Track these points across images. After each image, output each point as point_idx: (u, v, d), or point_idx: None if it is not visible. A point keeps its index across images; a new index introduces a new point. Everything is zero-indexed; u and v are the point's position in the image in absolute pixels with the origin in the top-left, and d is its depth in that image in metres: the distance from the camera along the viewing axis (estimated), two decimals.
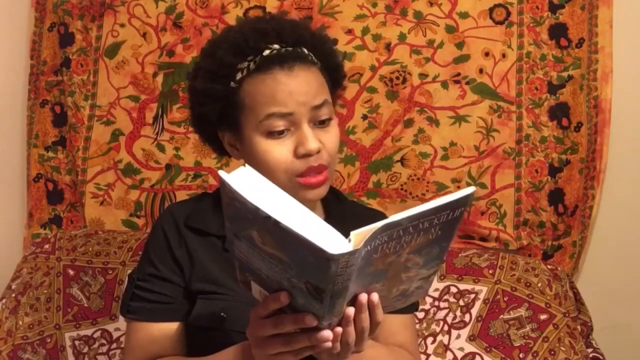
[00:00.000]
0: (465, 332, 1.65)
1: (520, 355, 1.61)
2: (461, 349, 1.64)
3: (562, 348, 1.61)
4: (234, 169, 0.92)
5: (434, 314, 1.69)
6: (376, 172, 1.90)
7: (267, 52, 1.17)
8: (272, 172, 1.14)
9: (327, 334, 0.93)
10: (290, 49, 1.19)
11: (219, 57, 1.19)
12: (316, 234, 0.83)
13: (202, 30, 1.97)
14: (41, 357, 1.74)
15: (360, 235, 0.84)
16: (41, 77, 2.06)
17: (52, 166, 2.05)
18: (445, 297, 1.71)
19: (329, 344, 0.93)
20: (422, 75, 1.88)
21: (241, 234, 0.91)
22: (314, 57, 1.21)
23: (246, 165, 0.95)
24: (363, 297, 0.93)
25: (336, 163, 1.28)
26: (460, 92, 1.86)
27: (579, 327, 1.67)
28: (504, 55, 1.85)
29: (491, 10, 1.86)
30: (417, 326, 1.65)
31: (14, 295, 1.83)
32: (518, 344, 1.62)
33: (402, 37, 1.89)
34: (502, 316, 1.66)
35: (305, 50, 1.21)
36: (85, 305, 1.78)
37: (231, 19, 1.94)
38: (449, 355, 1.64)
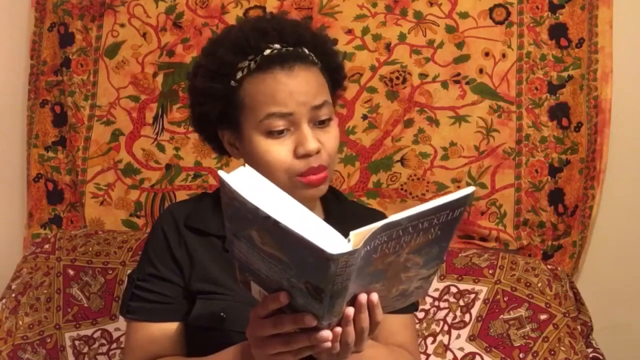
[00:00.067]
0: (465, 332, 1.65)
1: (520, 355, 1.61)
2: (461, 349, 1.64)
3: (562, 348, 1.61)
4: (234, 169, 0.92)
5: (434, 314, 1.69)
6: (376, 172, 1.90)
7: (267, 51, 1.17)
8: (271, 171, 1.14)
9: (326, 334, 0.93)
10: (291, 48, 1.19)
11: (219, 56, 1.19)
12: (316, 233, 0.83)
13: (202, 30, 1.97)
14: (41, 357, 1.74)
15: (360, 235, 0.84)
16: (41, 77, 2.06)
17: (52, 166, 2.05)
18: (445, 297, 1.71)
19: (329, 344, 0.93)
20: (422, 75, 1.88)
21: (241, 234, 0.91)
22: (314, 58, 1.21)
23: (246, 165, 0.95)
24: (362, 297, 0.93)
25: (336, 163, 1.28)
26: (460, 92, 1.86)
27: (579, 327, 1.67)
28: (504, 55, 1.85)
29: (491, 10, 1.86)
30: (417, 326, 1.65)
31: (14, 295, 1.83)
32: (518, 344, 1.62)
33: (402, 37, 1.89)
34: (502, 316, 1.66)
35: (306, 51, 1.21)
36: (85, 305, 1.78)
37: (231, 19, 1.94)
38: (449, 355, 1.64)
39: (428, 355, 1.64)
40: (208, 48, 1.25)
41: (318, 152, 1.16)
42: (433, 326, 1.68)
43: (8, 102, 2.13)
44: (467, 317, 1.67)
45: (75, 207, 2.04)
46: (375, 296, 0.94)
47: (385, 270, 0.91)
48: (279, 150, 1.16)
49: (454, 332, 1.66)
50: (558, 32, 1.83)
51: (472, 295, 1.69)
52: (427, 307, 1.70)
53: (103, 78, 2.03)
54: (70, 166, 2.04)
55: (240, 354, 1.09)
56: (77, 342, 1.75)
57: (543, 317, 1.64)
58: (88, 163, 2.03)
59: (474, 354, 1.63)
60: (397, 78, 1.89)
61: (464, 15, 1.86)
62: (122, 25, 2.02)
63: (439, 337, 1.66)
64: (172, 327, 1.22)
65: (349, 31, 1.91)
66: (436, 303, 1.71)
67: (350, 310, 0.93)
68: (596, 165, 1.80)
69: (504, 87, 1.85)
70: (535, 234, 1.84)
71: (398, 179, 1.89)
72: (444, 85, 1.87)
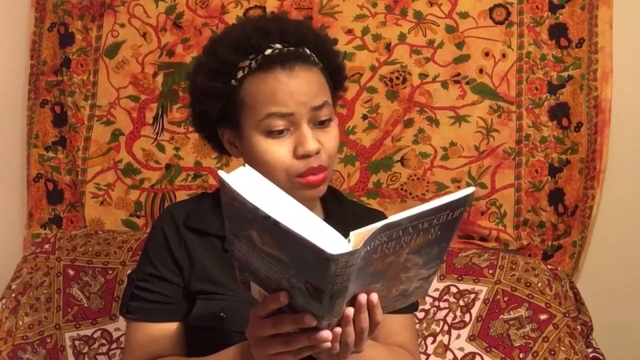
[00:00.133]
0: (465, 332, 1.65)
1: (520, 355, 1.61)
2: (461, 349, 1.64)
3: (562, 348, 1.61)
4: (234, 169, 0.92)
5: (434, 314, 1.69)
6: (376, 172, 1.90)
7: (268, 51, 1.17)
8: (271, 171, 1.14)
9: (326, 334, 0.93)
10: (292, 49, 1.19)
11: (220, 55, 1.19)
12: (315, 234, 0.83)
13: (202, 30, 1.97)
14: (41, 357, 1.74)
15: (360, 235, 0.84)
16: (41, 77, 2.06)
17: (52, 166, 2.05)
18: (445, 297, 1.71)
19: (328, 344, 0.93)
20: (422, 75, 1.88)
21: (241, 234, 0.91)
22: (315, 58, 1.21)
23: (246, 165, 0.95)
24: (362, 297, 0.93)
25: (335, 163, 1.28)
26: (460, 92, 1.86)
27: (579, 327, 1.67)
28: (504, 55, 1.85)
29: (491, 10, 1.86)
30: (417, 326, 1.65)
31: (14, 295, 1.83)
32: (518, 344, 1.62)
33: (402, 37, 1.89)
34: (502, 316, 1.66)
35: (308, 51, 1.20)
36: (85, 305, 1.78)
37: (231, 18, 1.94)
38: (449, 355, 1.64)
39: (428, 355, 1.64)
40: (209, 47, 1.25)
41: (318, 152, 1.16)
42: (433, 326, 1.68)
43: (8, 102, 2.13)
44: (467, 317, 1.67)
45: (75, 207, 2.04)
46: (375, 296, 0.94)
47: (385, 271, 0.91)
48: (279, 150, 1.16)
49: (454, 332, 1.66)
50: (558, 32, 1.83)
51: (472, 295, 1.69)
52: (427, 307, 1.70)
53: (103, 78, 2.03)
54: (70, 166, 2.04)
55: (240, 354, 1.09)
56: (77, 342, 1.75)
57: (543, 317, 1.64)
58: (88, 163, 2.03)
59: (474, 354, 1.63)
60: (397, 78, 1.89)
61: (464, 15, 1.86)
62: (122, 25, 2.02)
63: (439, 337, 1.66)
64: (171, 327, 1.22)
65: (349, 31, 1.91)
66: (436, 303, 1.71)
67: (350, 311, 0.93)
68: (596, 165, 1.80)
69: (504, 87, 1.85)
70: (535, 234, 1.84)
71: (398, 179, 1.89)
72: (444, 85, 1.87)
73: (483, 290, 1.70)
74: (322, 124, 1.18)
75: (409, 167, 1.88)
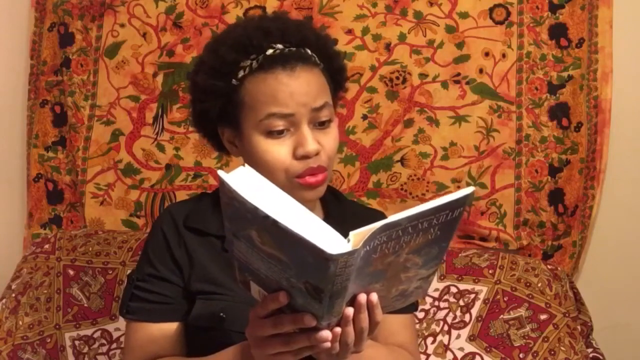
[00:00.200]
0: (465, 332, 1.65)
1: (520, 355, 1.61)
2: (461, 349, 1.64)
3: (562, 348, 1.61)
4: (234, 169, 0.92)
5: (434, 314, 1.69)
6: (376, 172, 1.90)
7: (270, 51, 1.17)
8: (270, 171, 1.14)
9: (326, 334, 0.93)
10: (294, 49, 1.19)
11: (221, 54, 1.19)
12: (315, 234, 0.83)
13: (202, 30, 1.97)
14: (41, 357, 1.74)
15: (359, 235, 0.84)
16: (41, 77, 2.06)
17: (52, 166, 2.05)
18: (445, 297, 1.71)
19: (328, 344, 0.93)
20: (422, 75, 1.88)
21: (240, 233, 0.91)
22: (317, 59, 1.21)
23: (245, 165, 0.95)
24: (362, 297, 0.93)
25: (335, 164, 1.28)
26: (460, 92, 1.86)
27: (579, 327, 1.67)
28: (504, 55, 1.85)
29: (491, 10, 1.86)
30: (417, 326, 1.65)
31: (14, 295, 1.83)
32: (518, 344, 1.62)
33: (402, 37, 1.89)
34: (502, 316, 1.66)
35: (309, 51, 1.20)
36: (85, 305, 1.78)
37: (231, 18, 1.94)
38: (449, 355, 1.64)
39: (428, 355, 1.64)
40: (210, 45, 1.24)
41: (317, 153, 1.16)
42: (433, 326, 1.68)
43: (8, 102, 2.13)
44: (467, 317, 1.67)
45: (75, 207, 2.04)
46: (374, 296, 0.94)
47: (384, 271, 0.91)
48: (278, 151, 1.16)
49: (454, 332, 1.66)
50: (558, 32, 1.83)
51: (472, 295, 1.69)
52: (427, 307, 1.70)
53: (103, 78, 2.03)
54: (70, 166, 2.04)
55: (240, 354, 1.09)
56: (77, 342, 1.75)
57: (543, 317, 1.64)
58: (88, 163, 2.03)
59: (474, 354, 1.63)
60: (397, 78, 1.89)
61: (464, 15, 1.86)
62: (122, 25, 2.02)
63: (439, 337, 1.66)
64: (171, 327, 1.22)
65: (349, 31, 1.91)
66: (436, 303, 1.71)
67: (350, 311, 0.93)
68: (596, 165, 1.80)
69: (504, 87, 1.85)
70: (535, 234, 1.84)
71: (398, 179, 1.89)
72: (444, 85, 1.87)
73: (483, 290, 1.69)
74: (322, 125, 1.18)
75: (409, 167, 1.88)
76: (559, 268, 1.75)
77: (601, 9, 1.80)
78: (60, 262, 1.84)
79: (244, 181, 0.90)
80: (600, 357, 1.68)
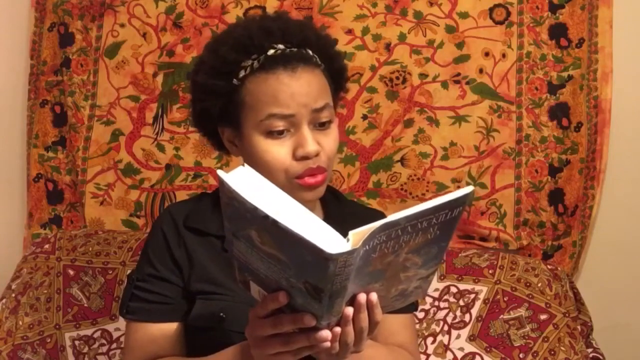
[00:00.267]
0: (465, 332, 1.65)
1: (520, 355, 1.61)
2: (461, 349, 1.64)
3: (562, 348, 1.61)
4: (234, 169, 0.92)
5: (434, 314, 1.69)
6: (376, 172, 1.90)
7: (271, 51, 1.17)
8: (270, 171, 1.14)
9: (325, 333, 0.93)
10: (295, 49, 1.19)
11: (222, 54, 1.19)
12: (314, 233, 0.83)
13: (202, 30, 1.97)
14: (41, 357, 1.74)
15: (359, 234, 0.84)
16: (41, 77, 2.06)
17: (52, 166, 2.05)
18: (445, 297, 1.71)
19: (328, 344, 0.93)
20: (422, 75, 1.88)
21: (240, 233, 0.91)
22: (318, 59, 1.21)
23: (245, 165, 0.95)
24: (362, 297, 0.93)
25: (335, 164, 1.28)
26: (460, 92, 1.86)
27: (579, 327, 1.67)
28: (504, 55, 1.85)
29: (491, 10, 1.86)
30: (417, 326, 1.65)
31: (14, 295, 1.83)
32: (518, 344, 1.62)
33: (402, 37, 1.89)
34: (502, 316, 1.65)
35: (310, 52, 1.20)
36: (85, 305, 1.78)
37: (231, 18, 1.94)
38: (449, 355, 1.64)
39: (428, 355, 1.64)
40: (211, 45, 1.24)
41: (317, 154, 1.16)
42: (433, 326, 1.68)
43: (8, 102, 2.13)
44: (467, 317, 1.67)
45: (75, 207, 2.05)
46: (374, 296, 0.94)
47: (384, 270, 0.91)
48: (278, 151, 1.16)
49: (454, 332, 1.66)
50: (558, 32, 1.83)
51: (472, 295, 1.69)
52: (427, 307, 1.70)
53: (103, 78, 2.03)
54: (70, 166, 2.04)
55: (239, 354, 1.09)
56: (77, 342, 1.75)
57: (543, 317, 1.64)
58: (88, 163, 2.03)
59: (474, 354, 1.63)
60: (397, 78, 1.89)
61: (464, 15, 1.86)
62: (122, 25, 2.02)
63: (439, 337, 1.66)
64: (171, 327, 1.22)
65: (349, 31, 1.91)
66: (436, 303, 1.71)
67: (350, 310, 0.93)
68: (596, 165, 1.80)
69: (504, 87, 1.85)
70: (535, 234, 1.84)
71: (398, 179, 1.89)
72: (444, 85, 1.87)
73: (483, 290, 1.69)
74: (322, 126, 1.18)
75: (409, 167, 1.88)
76: (559, 268, 1.75)
77: (601, 9, 1.80)
78: (60, 262, 1.84)
79: (243, 181, 0.90)
80: (600, 357, 1.68)
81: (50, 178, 2.05)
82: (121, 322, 1.72)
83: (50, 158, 2.05)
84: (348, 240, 0.84)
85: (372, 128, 1.90)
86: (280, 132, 1.16)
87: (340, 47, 1.80)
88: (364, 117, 1.90)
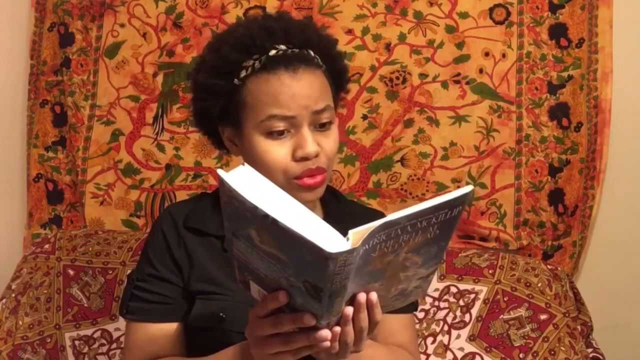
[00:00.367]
0: (465, 332, 1.65)
1: (520, 355, 1.61)
2: (461, 349, 1.64)
3: (562, 348, 1.61)
4: (234, 168, 0.92)
5: (434, 314, 1.69)
6: (376, 172, 1.90)
7: (273, 52, 1.17)
8: (269, 171, 1.14)
9: (325, 333, 0.93)
10: (297, 50, 1.19)
11: (223, 53, 1.19)
12: (314, 232, 0.83)
13: (202, 30, 1.97)
14: (41, 357, 1.74)
15: (359, 234, 0.84)
16: (41, 77, 2.06)
17: (52, 166, 2.05)
18: (445, 297, 1.71)
19: (328, 344, 0.93)
20: (422, 75, 1.88)
21: (240, 233, 0.91)
22: (319, 60, 1.21)
23: (245, 164, 0.95)
24: (362, 296, 0.93)
25: (334, 165, 1.28)
26: (460, 92, 1.86)
27: (579, 327, 1.67)
28: (504, 55, 1.85)
29: (491, 10, 1.86)
30: (417, 326, 1.65)
31: (14, 295, 1.83)
32: (518, 344, 1.62)
33: (402, 37, 1.89)
34: (502, 316, 1.65)
35: (312, 53, 1.20)
36: (85, 305, 1.78)
37: (231, 18, 1.95)
38: (449, 355, 1.64)
39: (428, 355, 1.64)
40: (213, 44, 1.24)
41: (317, 155, 1.16)
42: (433, 326, 1.68)
43: (8, 102, 2.13)
44: (467, 317, 1.67)
45: (75, 207, 2.05)
46: (374, 295, 0.94)
47: (384, 270, 0.91)
48: (278, 151, 1.16)
49: (454, 332, 1.66)
50: (558, 32, 1.83)
51: (472, 295, 1.69)
52: (427, 307, 1.70)
53: (103, 78, 2.03)
54: (70, 166, 2.04)
55: (239, 354, 1.09)
56: (77, 342, 1.75)
57: (543, 317, 1.64)
58: (88, 163, 2.03)
59: (474, 354, 1.63)
60: (397, 78, 1.89)
61: (464, 15, 1.86)
62: (122, 25, 2.02)
63: (439, 337, 1.66)
64: (171, 327, 1.22)
65: (349, 31, 1.91)
66: (436, 303, 1.71)
67: (349, 310, 0.93)
68: (596, 165, 1.80)
69: (504, 87, 1.85)
70: (535, 234, 1.84)
71: (398, 179, 1.89)
72: (444, 85, 1.87)
73: (483, 290, 1.69)
74: (322, 127, 1.18)
75: (409, 167, 1.88)
76: (559, 268, 1.75)
77: (601, 9, 1.80)
78: (60, 262, 1.84)
79: (243, 180, 0.90)
80: (600, 357, 1.68)
81: (50, 178, 2.05)
82: (121, 322, 1.72)
83: (50, 158, 2.05)
84: (348, 240, 0.84)
85: (372, 128, 1.90)
86: (281, 133, 1.16)
87: (340, 47, 1.80)
88: (364, 117, 1.90)
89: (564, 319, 1.64)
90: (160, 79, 2.00)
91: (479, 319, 1.66)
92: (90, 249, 1.85)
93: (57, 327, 1.77)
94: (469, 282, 1.71)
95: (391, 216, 0.85)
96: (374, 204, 1.88)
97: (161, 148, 1.99)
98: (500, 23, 1.86)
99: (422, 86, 1.88)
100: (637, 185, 1.83)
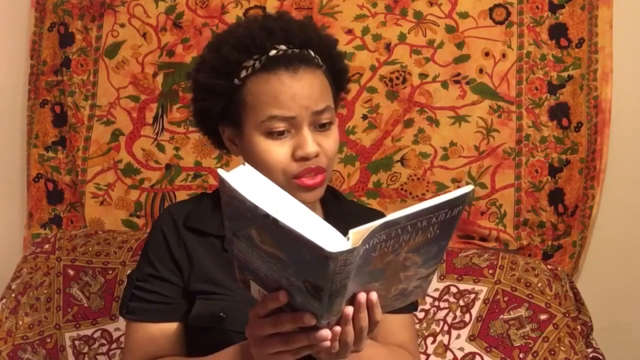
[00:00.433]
0: (465, 332, 1.65)
1: (520, 355, 1.61)
2: (461, 349, 1.64)
3: (562, 348, 1.61)
4: (234, 168, 0.92)
5: (434, 314, 1.69)
6: (376, 172, 1.90)
7: (273, 52, 1.17)
8: (269, 171, 1.14)
9: (325, 333, 0.92)
10: (297, 50, 1.19)
11: (224, 53, 1.19)
12: (315, 232, 0.83)
13: (202, 30, 1.97)
14: (41, 357, 1.74)
15: (359, 233, 0.84)
16: (41, 77, 2.06)
17: (52, 166, 2.05)
18: (445, 297, 1.71)
19: (328, 343, 0.93)
20: (422, 75, 1.88)
21: (240, 232, 0.91)
22: (319, 60, 1.21)
23: (245, 164, 0.95)
24: (362, 296, 0.93)
25: (334, 165, 1.28)
26: (460, 92, 1.86)
27: (579, 327, 1.67)
28: (504, 55, 1.85)
29: (491, 10, 1.86)
30: (417, 326, 1.65)
31: (14, 295, 1.83)
32: (518, 344, 1.62)
33: (402, 37, 1.89)
34: (502, 316, 1.65)
35: (312, 53, 1.20)
36: (85, 305, 1.78)
37: (231, 18, 1.95)
38: (449, 355, 1.64)
39: (428, 355, 1.64)
40: (213, 44, 1.24)
41: (317, 155, 1.16)
42: (433, 326, 1.68)
43: (8, 102, 2.13)
44: (467, 317, 1.67)
45: (75, 207, 2.04)
46: (374, 295, 0.94)
47: (384, 269, 0.91)
48: (278, 151, 1.16)
49: (454, 332, 1.66)
50: (558, 32, 1.83)
51: (472, 295, 1.69)
52: (427, 307, 1.70)
53: (103, 78, 2.03)
54: (70, 166, 2.04)
55: (240, 353, 1.09)
56: (77, 342, 1.75)
57: (543, 317, 1.64)
58: (88, 163, 2.03)
59: (474, 354, 1.63)
60: (397, 78, 1.89)
61: (464, 15, 1.86)
62: (122, 25, 2.02)
63: (439, 337, 1.66)
64: (171, 327, 1.22)
65: (349, 31, 1.91)
66: (436, 303, 1.71)
67: (350, 310, 0.93)
68: (596, 165, 1.80)
69: (504, 87, 1.85)
70: (535, 234, 1.84)
71: (398, 179, 1.89)
72: (444, 85, 1.87)
73: (483, 290, 1.69)
74: (322, 127, 1.18)
75: (409, 167, 1.88)
76: (559, 268, 1.75)
77: (601, 9, 1.80)
78: (60, 262, 1.84)
79: (244, 180, 0.90)
80: (600, 357, 1.68)
81: (50, 178, 2.05)
82: (121, 322, 1.72)
83: (50, 158, 2.05)
84: (348, 239, 0.84)
85: (372, 128, 1.90)
86: (281, 133, 1.16)
87: (340, 47, 1.80)
88: (364, 117, 1.90)
89: (564, 319, 1.64)
90: (160, 79, 2.00)
91: (479, 319, 1.66)
92: (90, 249, 1.85)
93: (57, 327, 1.77)
94: (469, 282, 1.71)
95: (391, 216, 0.85)
96: (374, 204, 1.88)
97: (161, 148, 1.99)
98: (500, 23, 1.86)
99: (422, 86, 1.88)
100: (637, 185, 1.83)
